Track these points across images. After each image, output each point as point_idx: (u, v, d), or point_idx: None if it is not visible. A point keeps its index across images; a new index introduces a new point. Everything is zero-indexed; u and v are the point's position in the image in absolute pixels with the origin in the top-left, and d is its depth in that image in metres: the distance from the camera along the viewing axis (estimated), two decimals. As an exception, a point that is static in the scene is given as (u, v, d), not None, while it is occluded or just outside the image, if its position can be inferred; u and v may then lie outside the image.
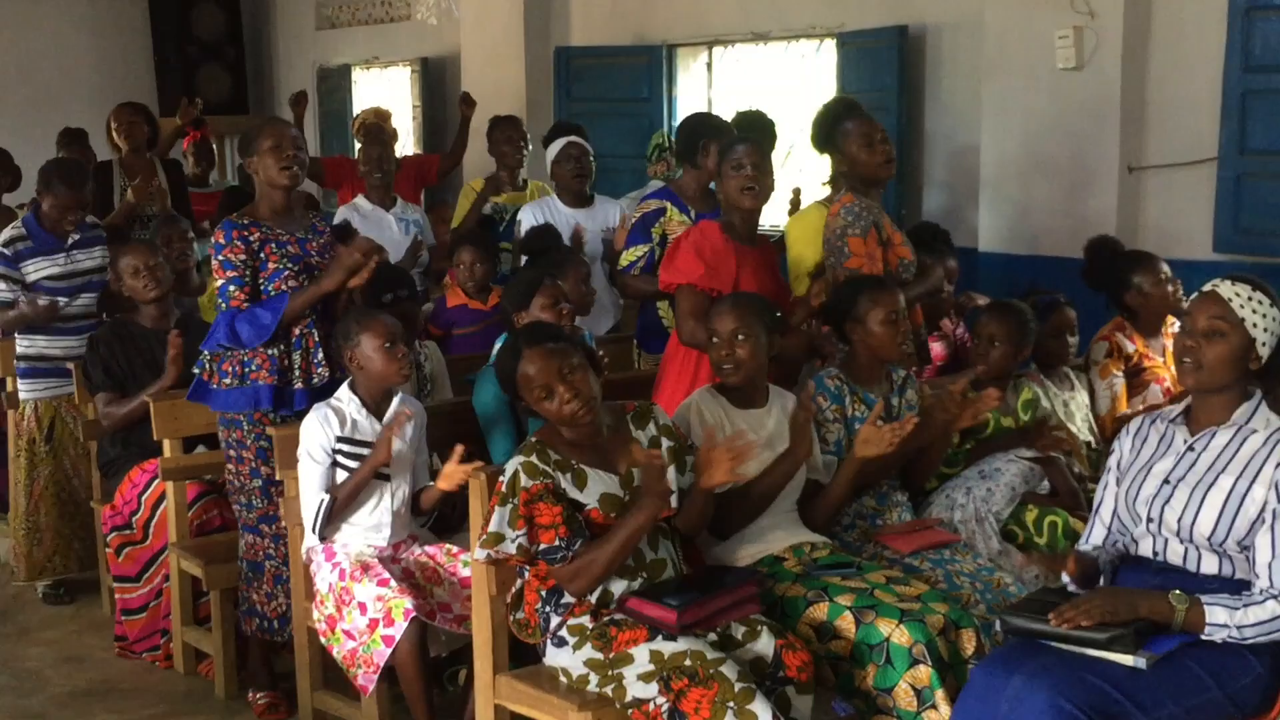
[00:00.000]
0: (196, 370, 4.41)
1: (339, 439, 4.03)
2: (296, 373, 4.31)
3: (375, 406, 4.12)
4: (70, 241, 5.58)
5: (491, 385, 4.27)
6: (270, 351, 4.29)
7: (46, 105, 10.22)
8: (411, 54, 9.87)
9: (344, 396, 4.12)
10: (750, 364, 3.83)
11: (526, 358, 3.45)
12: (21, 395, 5.58)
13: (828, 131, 4.72)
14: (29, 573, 5.61)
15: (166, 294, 5.17)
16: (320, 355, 4.34)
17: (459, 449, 3.86)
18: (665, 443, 3.57)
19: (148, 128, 7.05)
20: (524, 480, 3.36)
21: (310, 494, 4.02)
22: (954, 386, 4.16)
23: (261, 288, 4.30)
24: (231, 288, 4.27)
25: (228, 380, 4.32)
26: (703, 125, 5.41)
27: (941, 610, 3.49)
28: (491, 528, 3.37)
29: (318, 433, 4.03)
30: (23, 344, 5.56)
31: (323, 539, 4.02)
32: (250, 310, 4.26)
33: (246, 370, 4.31)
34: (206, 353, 4.37)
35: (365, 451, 4.03)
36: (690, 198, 5.30)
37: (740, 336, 3.82)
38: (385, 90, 10.42)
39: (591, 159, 6.10)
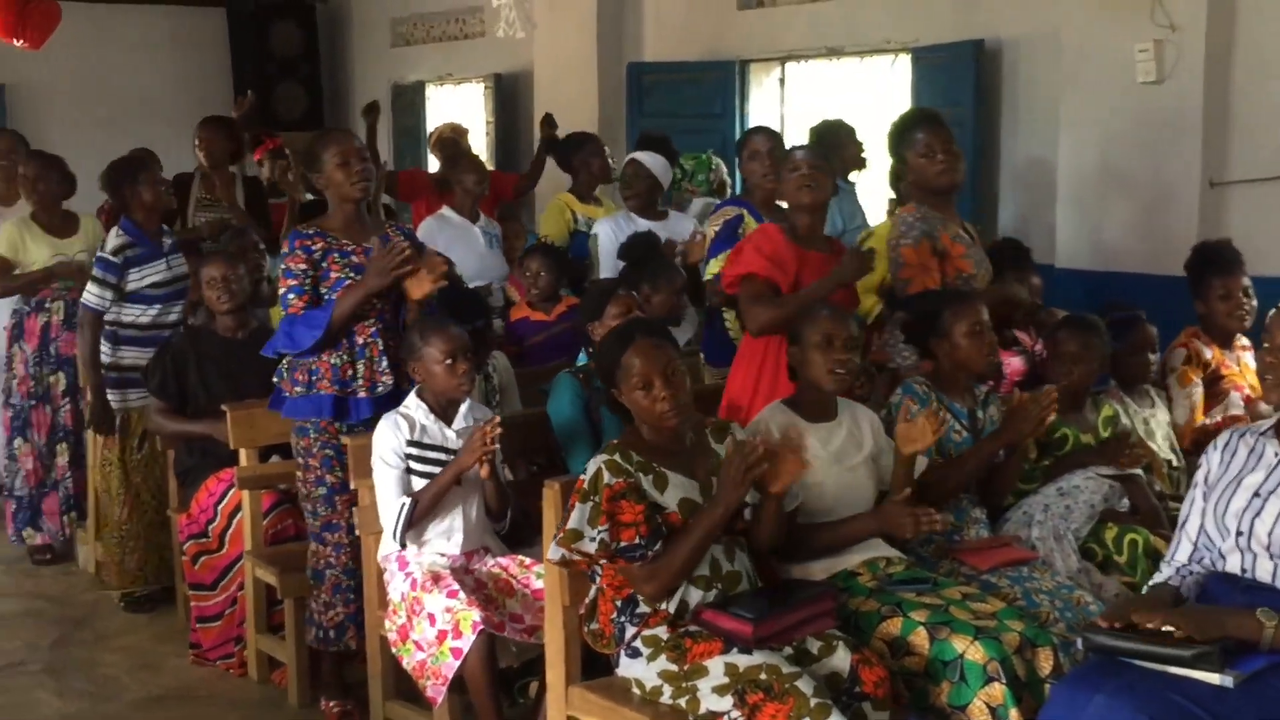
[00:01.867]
0: (276, 379, 4.46)
1: (409, 443, 4.05)
2: (360, 382, 4.35)
3: (443, 413, 4.14)
4: (167, 247, 5.67)
5: (567, 392, 4.28)
6: (333, 361, 4.34)
7: (126, 123, 10.39)
8: (485, 70, 9.94)
9: (412, 404, 4.14)
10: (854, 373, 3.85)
11: (636, 347, 3.45)
12: (113, 405, 5.65)
13: (896, 141, 4.72)
14: (120, 580, 5.67)
15: (241, 306, 5.24)
16: (385, 364, 4.37)
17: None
18: None
19: (229, 142, 7.14)
20: (607, 477, 3.36)
21: (388, 499, 4.04)
22: (1047, 392, 4.11)
23: (325, 296, 4.33)
24: (290, 295, 4.33)
25: (298, 388, 4.38)
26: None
27: (1017, 628, 3.44)
28: (571, 524, 3.37)
29: (390, 438, 4.06)
30: (114, 354, 5.64)
31: (403, 545, 4.03)
32: (305, 315, 4.31)
33: (313, 379, 4.36)
34: (285, 362, 4.41)
35: (435, 455, 4.06)
36: (763, 205, 5.33)
37: (852, 344, 3.82)
38: (459, 106, 10.51)
39: (649, 176, 6.08)
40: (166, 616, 5.53)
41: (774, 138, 5.49)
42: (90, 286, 5.61)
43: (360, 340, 4.37)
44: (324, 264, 4.34)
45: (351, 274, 4.34)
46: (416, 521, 4.02)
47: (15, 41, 6.90)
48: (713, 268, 5.35)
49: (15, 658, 5.14)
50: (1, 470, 6.41)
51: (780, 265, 4.37)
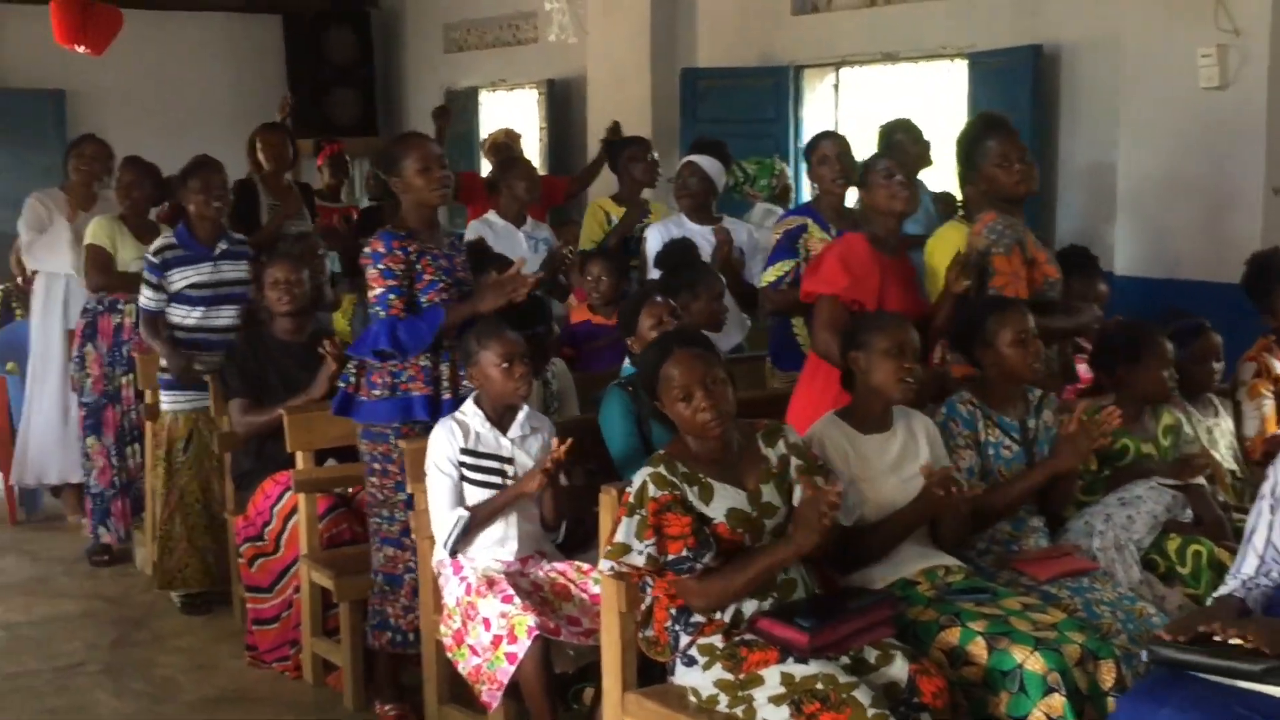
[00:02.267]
0: (342, 384, 4.47)
1: (463, 450, 4.05)
2: (445, 383, 4.35)
3: (499, 420, 4.14)
4: (218, 251, 5.71)
5: (616, 405, 4.26)
6: (423, 363, 4.35)
7: (183, 128, 10.49)
8: (538, 76, 9.97)
9: (468, 410, 4.14)
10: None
11: (675, 358, 3.42)
12: (163, 407, 5.70)
13: (968, 149, 4.66)
14: (161, 581, 5.72)
15: (301, 309, 5.27)
16: None
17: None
18: (795, 461, 3.52)
19: (289, 149, 7.21)
20: (652, 490, 3.34)
21: (441, 508, 4.04)
22: (1106, 405, 4.05)
23: (416, 297, 4.36)
24: (391, 296, 4.32)
25: (377, 392, 4.36)
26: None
27: (1078, 640, 3.39)
28: (618, 538, 3.36)
29: (444, 445, 4.06)
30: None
31: (454, 554, 4.04)
32: (411, 320, 4.31)
33: (397, 381, 4.35)
34: (352, 366, 4.43)
35: (488, 464, 4.06)
36: (829, 213, 5.31)
37: (917, 354, 3.80)
38: (512, 112, 10.53)
39: (705, 179, 6.05)
40: (223, 618, 5.56)
41: (843, 143, 5.46)
42: (143, 289, 5.71)
43: (446, 343, 4.37)
44: (418, 265, 4.36)
45: (443, 276, 4.37)
46: (469, 534, 4.02)
47: (77, 47, 6.99)
48: (769, 275, 5.34)
49: (75, 658, 5.19)
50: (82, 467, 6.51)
51: (864, 280, 4.35)
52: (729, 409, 3.41)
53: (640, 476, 3.39)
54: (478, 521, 4.02)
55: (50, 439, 6.83)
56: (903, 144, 5.71)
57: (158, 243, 5.75)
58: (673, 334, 3.63)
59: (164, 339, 5.63)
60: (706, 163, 6.06)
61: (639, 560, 3.33)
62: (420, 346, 4.31)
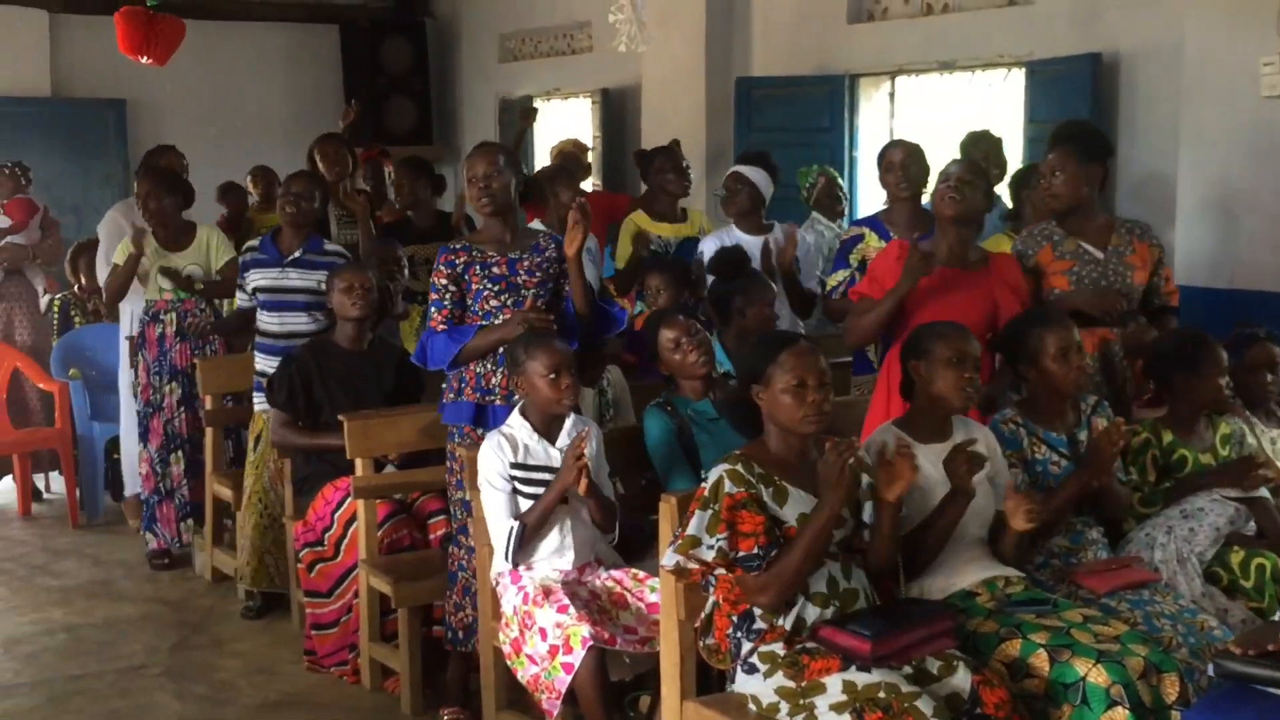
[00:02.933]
0: (444, 386, 4.61)
1: (513, 465, 4.08)
2: (497, 391, 4.40)
3: (546, 430, 4.16)
4: (289, 259, 5.80)
5: (656, 426, 4.28)
6: (478, 369, 4.44)
7: (240, 137, 10.62)
8: (592, 85, 10.00)
9: (515, 423, 4.18)
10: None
11: (795, 349, 3.45)
12: (257, 407, 5.80)
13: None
14: (254, 579, 5.75)
15: (367, 317, 5.33)
16: None
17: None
18: (865, 478, 3.53)
19: (348, 159, 7.29)
20: (728, 486, 3.36)
21: (497, 522, 4.08)
22: (1115, 428, 4.02)
23: (470, 306, 4.47)
24: (432, 309, 4.50)
25: (450, 395, 4.52)
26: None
27: (1142, 653, 3.37)
28: (690, 530, 3.37)
29: (493, 460, 4.10)
30: (256, 360, 5.81)
31: (516, 565, 4.06)
32: (441, 335, 4.43)
33: (462, 386, 4.48)
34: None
35: (539, 476, 4.09)
36: (897, 224, 5.32)
37: (977, 364, 3.80)
38: (566, 121, 10.57)
39: (752, 189, 6.04)
40: (282, 622, 5.61)
41: (910, 150, 5.46)
42: (239, 289, 5.97)
43: (502, 349, 4.42)
44: (466, 276, 4.46)
45: (489, 285, 4.44)
46: (526, 542, 4.06)
47: (142, 59, 7.09)
48: (829, 283, 5.46)
49: (136, 660, 5.25)
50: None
51: (879, 282, 4.36)
52: (830, 411, 3.46)
53: (716, 472, 3.41)
54: (531, 529, 4.05)
55: (132, 448, 6.94)
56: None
57: (246, 245, 6.01)
58: (797, 333, 3.63)
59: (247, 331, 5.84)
60: (752, 172, 6.07)
61: (708, 554, 3.34)
62: (441, 362, 4.44)
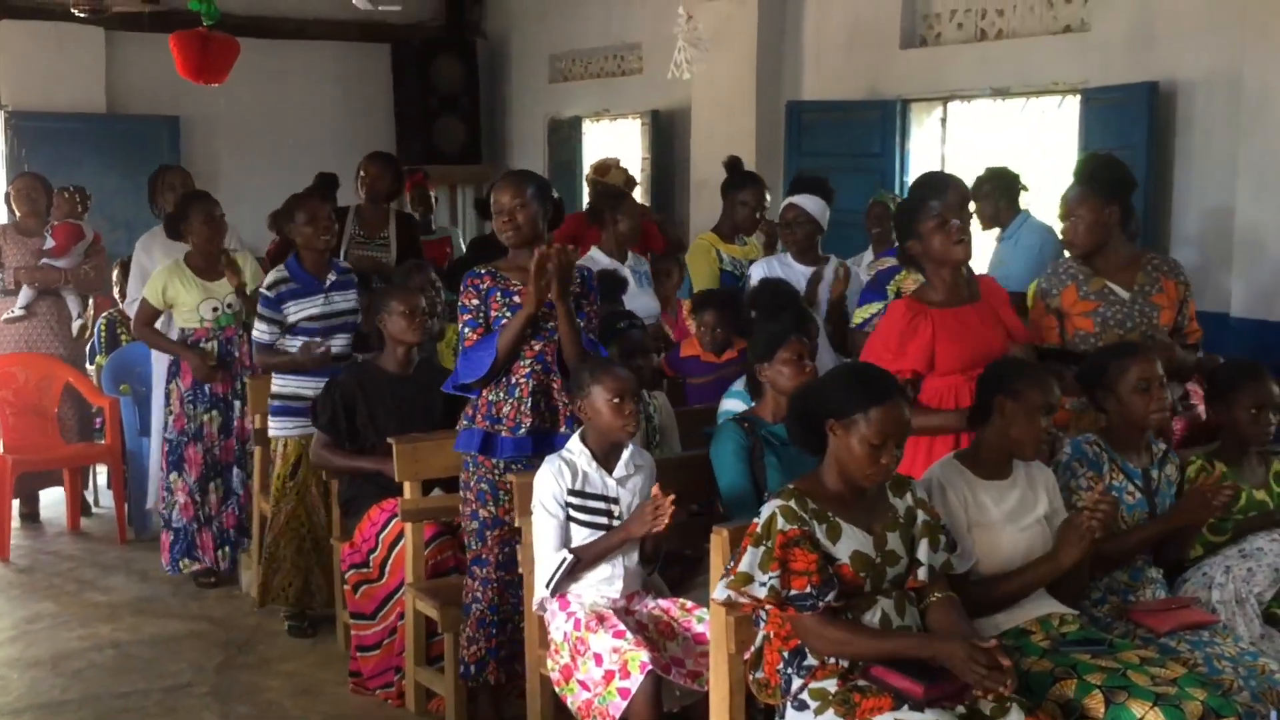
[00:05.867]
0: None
1: (570, 492, 4.06)
2: (504, 421, 4.42)
3: (604, 459, 4.14)
4: (328, 283, 5.80)
5: (730, 441, 4.22)
6: (490, 398, 4.44)
7: (292, 156, 10.63)
8: (642, 106, 10.00)
9: (575, 449, 4.15)
10: None
11: (892, 405, 3.37)
12: (272, 432, 5.79)
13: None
14: (262, 598, 5.79)
15: (423, 341, 5.38)
16: (529, 405, 4.42)
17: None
18: (921, 516, 3.49)
19: (394, 180, 7.29)
20: (781, 523, 3.33)
21: (546, 548, 4.06)
22: (1221, 486, 3.99)
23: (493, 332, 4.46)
24: (466, 329, 4.50)
25: (464, 421, 4.52)
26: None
27: (1200, 696, 3.31)
28: (742, 567, 3.34)
29: (551, 485, 4.08)
30: (278, 384, 5.78)
31: (554, 594, 4.05)
32: (469, 350, 4.45)
33: (475, 413, 4.49)
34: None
35: (595, 505, 4.07)
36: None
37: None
38: (615, 142, 10.58)
39: (810, 221, 5.99)
40: (327, 643, 5.61)
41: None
42: (257, 322, 5.84)
43: (514, 379, 4.45)
44: (488, 301, 4.47)
45: (508, 313, 4.44)
46: (573, 576, 4.04)
47: (201, 83, 7.14)
48: (857, 316, 5.31)
49: (182, 679, 5.27)
50: (160, 502, 6.59)
51: (907, 350, 4.22)
52: (895, 469, 3.42)
53: (769, 508, 3.37)
54: (584, 565, 4.03)
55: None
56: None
57: (271, 276, 5.85)
58: (889, 378, 3.52)
59: (278, 360, 5.75)
60: (809, 202, 6.00)
61: (761, 592, 3.31)
62: (477, 372, 4.40)
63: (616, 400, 4.07)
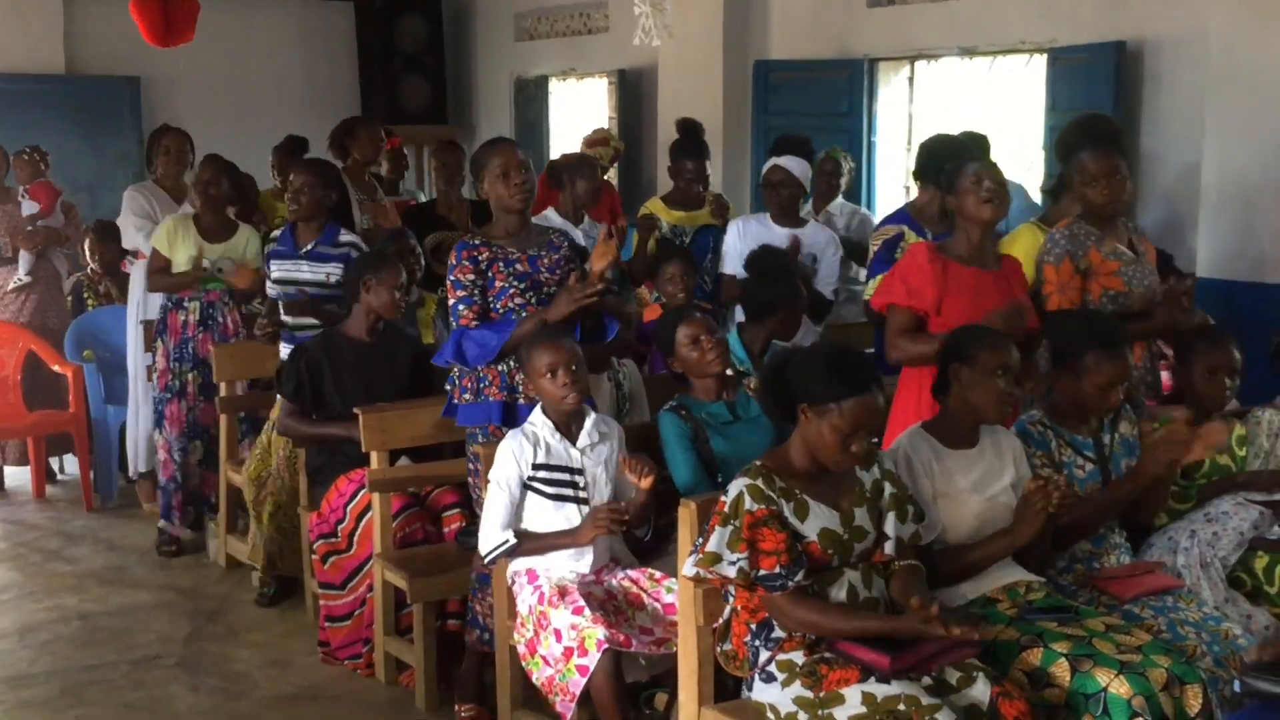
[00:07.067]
0: (449, 386, 4.55)
1: (535, 465, 4.06)
2: (521, 389, 4.36)
3: (566, 428, 4.12)
4: (303, 251, 5.75)
5: (671, 433, 4.19)
6: (501, 368, 4.39)
7: (255, 116, 10.53)
8: (609, 65, 9.91)
9: (537, 420, 4.14)
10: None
11: (867, 399, 3.34)
12: None
13: (1063, 153, 4.67)
14: (255, 559, 5.78)
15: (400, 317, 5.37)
16: None
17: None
18: (888, 489, 3.49)
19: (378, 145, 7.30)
20: (749, 503, 3.32)
21: (493, 523, 4.06)
22: (1178, 416, 3.99)
23: (491, 305, 4.40)
24: (461, 306, 4.40)
25: (467, 396, 4.45)
26: (945, 147, 5.27)
27: (1164, 664, 3.33)
28: (710, 547, 3.34)
29: (510, 462, 4.06)
30: (281, 350, 5.75)
31: (490, 564, 4.05)
32: (479, 330, 4.36)
33: (481, 386, 4.43)
34: (455, 370, 4.49)
35: (559, 476, 4.07)
36: (928, 219, 5.20)
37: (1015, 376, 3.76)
38: (582, 101, 10.50)
39: (794, 182, 5.94)
40: (296, 612, 5.60)
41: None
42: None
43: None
44: (489, 272, 4.41)
45: (515, 282, 4.39)
46: (512, 558, 4.06)
47: (170, 46, 7.05)
48: (869, 289, 5.24)
49: (151, 650, 5.24)
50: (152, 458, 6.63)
51: (920, 291, 4.31)
52: (863, 456, 3.41)
53: (736, 487, 3.36)
54: (523, 550, 4.04)
55: (136, 427, 6.95)
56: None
57: (271, 234, 5.98)
58: (869, 367, 3.47)
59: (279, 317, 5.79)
60: (792, 163, 5.96)
61: (730, 571, 3.31)
62: (485, 357, 4.34)
63: (549, 373, 4.05)
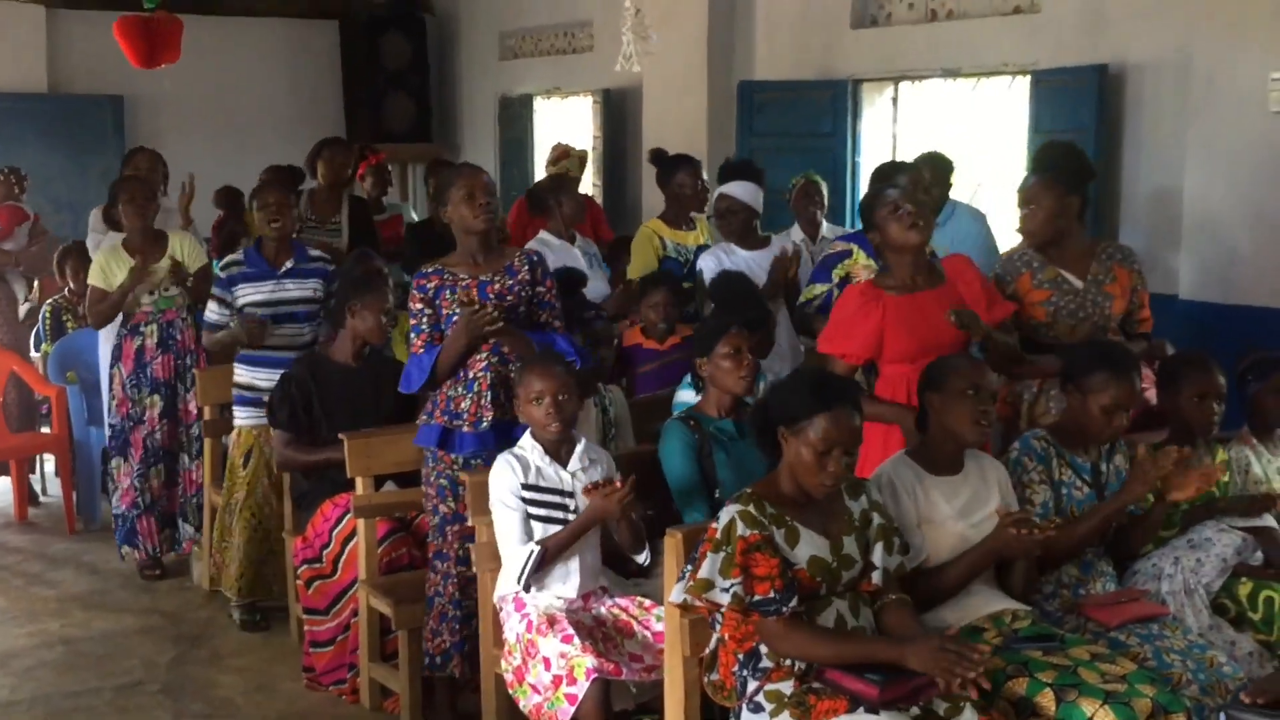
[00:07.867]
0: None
1: (524, 486, 4.05)
2: (465, 416, 4.42)
3: (556, 453, 4.12)
4: (283, 270, 5.74)
5: (677, 440, 4.20)
6: (449, 393, 4.45)
7: (239, 134, 10.56)
8: (593, 85, 9.93)
9: (527, 444, 4.14)
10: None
11: (836, 414, 3.35)
12: (236, 421, 5.75)
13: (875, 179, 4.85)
14: (211, 584, 5.78)
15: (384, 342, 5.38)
16: (489, 398, 4.41)
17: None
18: (876, 519, 3.50)
19: (352, 167, 7.27)
20: (741, 529, 3.32)
21: (511, 543, 4.04)
22: (1168, 451, 4.00)
23: (443, 330, 4.45)
24: (411, 334, 4.50)
25: (423, 417, 4.53)
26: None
27: (1149, 693, 3.33)
28: (702, 574, 3.33)
29: (506, 480, 4.06)
30: (238, 372, 5.73)
31: (527, 589, 4.02)
32: (421, 355, 4.45)
33: (433, 409, 4.50)
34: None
35: (550, 499, 4.06)
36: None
37: (992, 396, 3.78)
38: (567, 120, 10.51)
39: (743, 208, 5.91)
40: (280, 636, 5.57)
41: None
42: (209, 303, 5.82)
43: (471, 374, 4.44)
44: (437, 300, 4.45)
45: (458, 309, 4.39)
46: (543, 569, 4.01)
47: (156, 67, 7.06)
48: (804, 295, 5.35)
49: (134, 676, 5.21)
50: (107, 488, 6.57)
51: (856, 336, 4.29)
52: (844, 478, 3.42)
53: (728, 512, 3.36)
54: (550, 555, 4.01)
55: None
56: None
57: (227, 259, 5.87)
58: (844, 387, 3.50)
59: (220, 336, 5.74)
60: (739, 189, 5.92)
61: (723, 598, 3.31)
62: (422, 379, 4.42)
63: (535, 400, 4.06)
